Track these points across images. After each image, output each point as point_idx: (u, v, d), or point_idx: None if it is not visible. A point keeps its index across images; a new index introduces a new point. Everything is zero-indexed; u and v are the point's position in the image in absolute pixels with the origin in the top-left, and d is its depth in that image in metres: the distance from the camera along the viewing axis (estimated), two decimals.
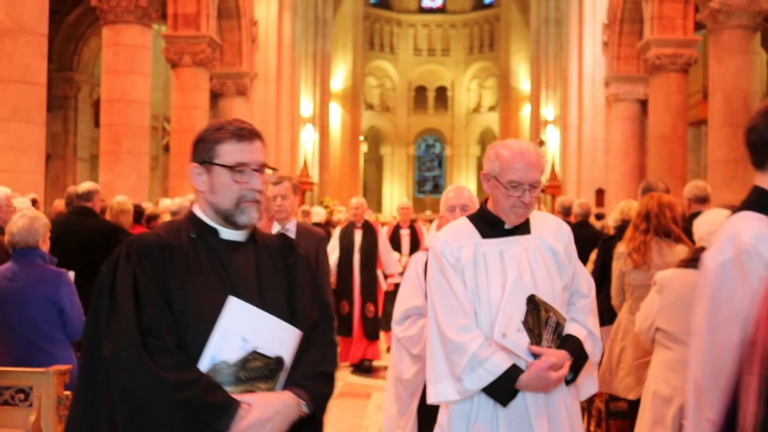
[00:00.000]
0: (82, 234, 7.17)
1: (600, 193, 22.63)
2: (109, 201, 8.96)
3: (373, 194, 43.49)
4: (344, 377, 10.39)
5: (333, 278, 10.47)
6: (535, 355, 3.23)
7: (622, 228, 6.68)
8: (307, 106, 32.23)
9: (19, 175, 10.18)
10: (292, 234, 5.58)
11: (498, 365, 3.20)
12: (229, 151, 2.54)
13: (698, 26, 17.98)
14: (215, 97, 21.55)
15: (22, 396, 4.40)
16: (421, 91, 46.09)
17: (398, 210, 12.69)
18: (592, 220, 11.00)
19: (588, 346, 3.36)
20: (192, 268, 2.48)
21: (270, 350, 2.42)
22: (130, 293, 2.36)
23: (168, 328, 2.36)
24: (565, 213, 10.05)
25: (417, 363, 4.28)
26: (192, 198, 9.84)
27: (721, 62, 14.36)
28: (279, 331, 2.46)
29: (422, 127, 46.33)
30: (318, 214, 13.67)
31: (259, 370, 2.40)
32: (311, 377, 2.52)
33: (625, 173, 21.13)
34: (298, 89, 30.23)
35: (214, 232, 2.58)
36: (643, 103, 20.95)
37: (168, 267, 2.45)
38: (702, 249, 4.45)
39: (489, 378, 3.20)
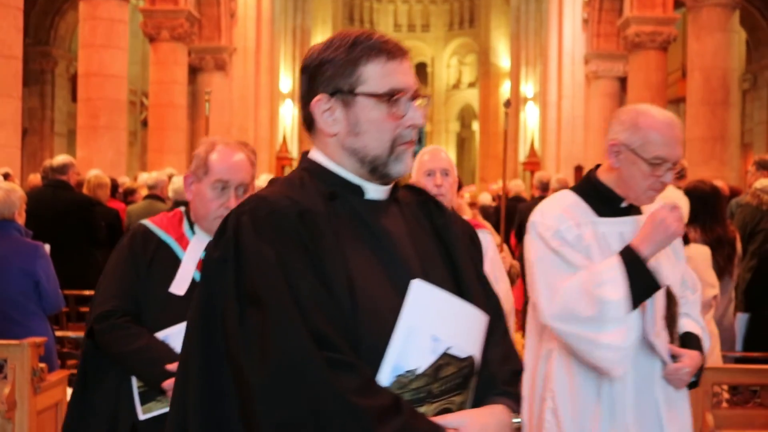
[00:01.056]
0: (57, 207, 7.14)
1: (579, 170, 22.67)
2: (86, 176, 8.89)
3: None
4: None
5: None
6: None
7: None
8: (286, 81, 32.06)
9: None
10: None
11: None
12: (377, 74, 1.84)
13: (678, 4, 18.01)
14: (194, 71, 21.40)
15: None
16: None
17: None
18: None
19: (704, 345, 3.02)
20: (343, 242, 1.78)
21: (462, 349, 1.77)
22: (283, 288, 1.66)
23: (341, 332, 1.67)
24: (543, 188, 10.07)
25: None
26: (169, 172, 9.77)
27: (699, 40, 14.39)
28: (469, 320, 1.82)
29: None
30: None
31: (452, 378, 1.75)
32: (510, 380, 1.89)
33: (604, 150, 21.11)
34: (278, 64, 30.07)
35: (357, 190, 1.88)
36: (623, 81, 20.99)
37: (317, 243, 1.74)
38: None
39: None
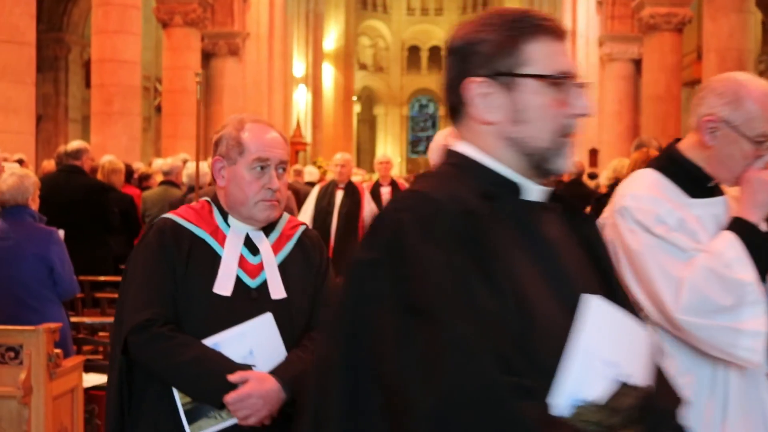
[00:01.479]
0: (71, 193, 7.15)
1: (593, 153, 22.58)
2: (100, 161, 8.90)
3: (367, 155, 43.39)
4: None
5: None
6: None
7: (614, 186, 6.67)
8: (299, 66, 32.01)
9: (9, 135, 10.13)
10: None
11: None
12: (543, 55, 1.62)
13: None
14: (207, 57, 21.40)
15: (12, 354, 4.39)
16: (414, 50, 45.83)
17: (377, 165, 11.12)
18: (585, 179, 10.98)
19: None
20: (506, 248, 1.55)
21: (639, 377, 1.55)
22: (458, 299, 1.42)
23: (517, 352, 1.45)
24: None
25: None
26: (184, 157, 9.77)
27: (715, 21, 14.27)
28: (643, 345, 1.62)
29: (416, 87, 46.13)
30: (311, 174, 13.74)
31: (630, 410, 1.49)
32: (680, 413, 1.67)
33: (619, 133, 21.08)
34: (291, 49, 30.02)
35: (515, 189, 1.64)
36: (637, 63, 20.86)
37: (485, 249, 1.51)
38: None
39: None
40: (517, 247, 1.56)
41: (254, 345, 2.51)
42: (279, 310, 2.58)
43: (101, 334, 6.41)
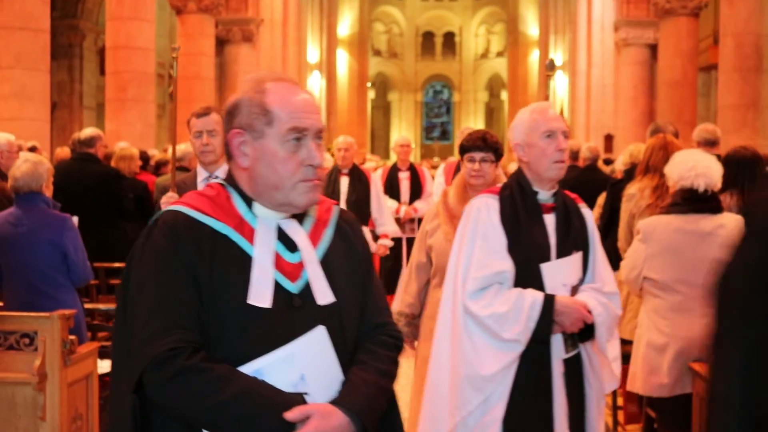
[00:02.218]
0: (85, 180, 7.16)
1: (609, 139, 22.48)
2: (114, 148, 8.92)
3: (381, 141, 43.40)
4: None
5: None
6: None
7: (630, 171, 6.63)
8: (313, 52, 31.97)
9: (24, 122, 10.15)
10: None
11: None
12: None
13: None
14: (221, 43, 21.38)
15: (27, 341, 4.41)
16: (428, 36, 45.71)
17: (395, 147, 10.25)
18: (601, 165, 10.91)
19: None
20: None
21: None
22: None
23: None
24: (573, 157, 9.95)
25: (507, 351, 3.29)
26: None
27: (732, 6, 14.14)
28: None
29: (430, 73, 46.02)
30: (326, 161, 13.67)
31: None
32: None
33: (635, 119, 20.98)
34: (305, 35, 29.98)
35: None
36: (653, 48, 20.72)
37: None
38: (685, 190, 4.36)
39: None
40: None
41: (306, 368, 2.00)
42: (327, 318, 2.08)
43: None
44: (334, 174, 8.62)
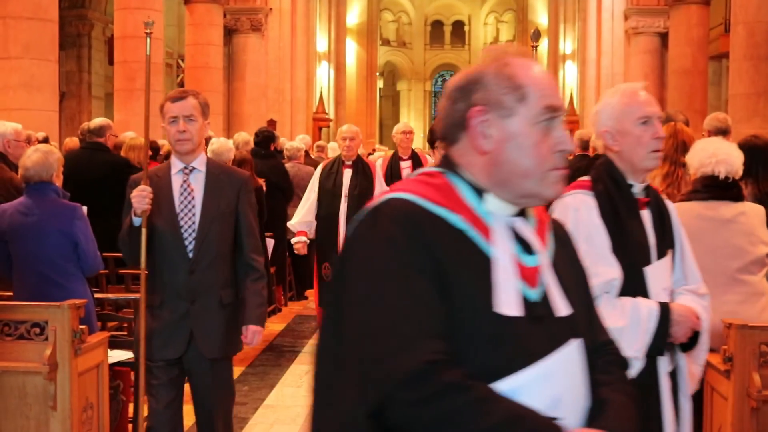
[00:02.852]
0: (94, 169, 7.16)
1: None
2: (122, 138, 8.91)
3: (390, 130, 43.33)
4: None
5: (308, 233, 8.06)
6: None
7: None
8: (322, 42, 31.92)
9: (33, 113, 10.15)
10: (201, 173, 4.22)
11: None
12: None
13: None
14: (229, 33, 21.36)
15: (37, 330, 4.41)
16: (437, 25, 45.62)
17: (397, 135, 9.44)
18: None
19: None
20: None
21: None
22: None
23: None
24: (584, 146, 9.93)
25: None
26: (206, 134, 9.74)
27: None
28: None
29: (439, 62, 45.95)
30: (334, 150, 13.68)
31: None
32: None
33: None
34: (314, 25, 29.94)
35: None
36: (664, 37, 20.63)
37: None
38: (706, 177, 4.33)
39: None
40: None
41: (561, 389, 1.71)
42: (570, 331, 1.79)
43: (126, 310, 6.43)
44: (337, 165, 7.96)
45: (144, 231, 4.05)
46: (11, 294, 5.15)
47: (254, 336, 4.25)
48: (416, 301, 1.60)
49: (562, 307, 1.78)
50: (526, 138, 1.74)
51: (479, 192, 1.78)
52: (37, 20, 10.29)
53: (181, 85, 21.29)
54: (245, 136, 10.51)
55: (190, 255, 4.12)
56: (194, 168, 4.21)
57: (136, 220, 4.07)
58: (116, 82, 14.95)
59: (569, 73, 30.96)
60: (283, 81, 24.06)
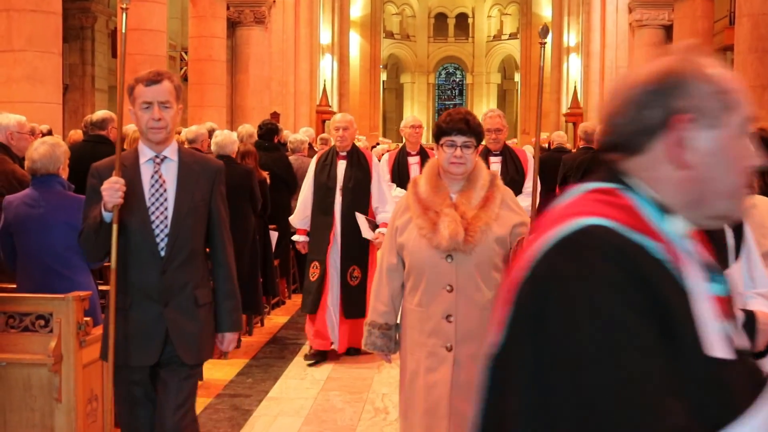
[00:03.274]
0: (97, 162, 7.15)
1: None
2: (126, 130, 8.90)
3: (393, 123, 43.32)
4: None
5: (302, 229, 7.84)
6: None
7: None
8: (325, 34, 31.88)
9: (36, 105, 10.16)
10: (173, 163, 3.85)
11: None
12: None
13: None
14: (233, 25, 21.36)
15: (42, 322, 4.42)
16: (441, 18, 45.55)
17: (405, 129, 8.85)
18: None
19: None
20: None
21: None
22: None
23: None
24: (588, 139, 9.91)
25: None
26: (209, 126, 9.74)
27: None
28: None
29: (442, 55, 45.89)
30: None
31: None
32: None
33: None
34: (317, 17, 29.90)
35: None
36: (668, 29, 20.59)
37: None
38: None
39: None
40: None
41: None
42: (756, 366, 1.58)
43: None
44: (331, 156, 7.54)
45: (115, 227, 3.66)
46: (16, 286, 5.15)
47: (230, 344, 3.99)
48: (651, 355, 1.35)
49: (743, 343, 1.55)
50: (731, 152, 1.53)
51: (662, 212, 1.54)
52: (40, 13, 10.29)
53: (185, 77, 21.28)
54: (249, 129, 10.49)
55: (162, 253, 3.72)
56: (165, 157, 3.82)
57: (107, 216, 3.66)
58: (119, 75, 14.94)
59: (573, 65, 30.89)
60: (286, 73, 24.05)
